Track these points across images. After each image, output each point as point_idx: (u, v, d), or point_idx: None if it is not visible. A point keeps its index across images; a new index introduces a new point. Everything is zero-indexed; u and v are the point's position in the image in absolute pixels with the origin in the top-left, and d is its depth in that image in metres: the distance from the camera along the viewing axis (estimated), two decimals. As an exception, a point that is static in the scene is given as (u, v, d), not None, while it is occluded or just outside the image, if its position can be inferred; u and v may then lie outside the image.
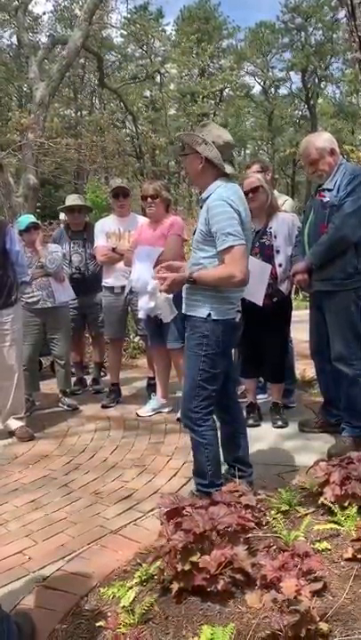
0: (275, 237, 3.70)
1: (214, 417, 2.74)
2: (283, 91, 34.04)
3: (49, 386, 5.04)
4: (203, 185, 2.68)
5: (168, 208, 4.23)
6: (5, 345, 3.93)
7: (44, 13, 31.93)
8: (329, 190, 3.24)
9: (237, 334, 2.91)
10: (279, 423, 3.88)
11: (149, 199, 4.09)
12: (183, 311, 2.76)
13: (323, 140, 3.29)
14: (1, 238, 3.89)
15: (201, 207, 2.69)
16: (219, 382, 2.68)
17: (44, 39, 20.04)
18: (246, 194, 3.66)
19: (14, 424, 4.01)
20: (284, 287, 3.74)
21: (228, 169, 2.61)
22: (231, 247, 2.47)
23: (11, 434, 4.02)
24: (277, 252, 3.70)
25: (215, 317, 2.58)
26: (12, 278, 3.96)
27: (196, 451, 2.69)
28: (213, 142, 2.55)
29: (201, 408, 2.62)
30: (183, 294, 2.73)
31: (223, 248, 2.48)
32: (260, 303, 3.57)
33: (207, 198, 2.59)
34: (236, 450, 2.85)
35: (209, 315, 2.58)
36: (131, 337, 6.34)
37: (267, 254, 3.69)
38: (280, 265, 3.70)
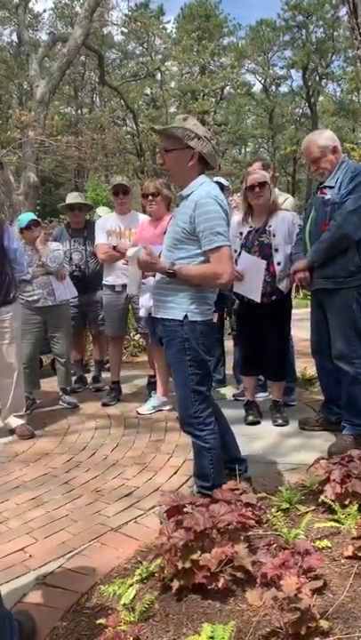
0: (273, 236, 3.70)
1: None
2: (283, 89, 34.07)
3: (49, 384, 5.05)
4: (185, 181, 2.53)
5: (169, 206, 4.23)
6: (4, 343, 3.92)
7: (45, 11, 31.98)
8: (331, 188, 3.23)
9: (215, 334, 2.85)
10: (280, 421, 3.88)
11: (150, 197, 4.08)
12: (153, 314, 2.64)
13: (325, 138, 3.29)
14: None
15: (177, 205, 2.57)
16: (210, 380, 2.64)
17: (44, 37, 19.99)
18: (252, 188, 3.66)
19: (15, 422, 4.01)
20: (283, 285, 3.74)
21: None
22: (220, 247, 2.39)
23: (11, 432, 4.02)
24: (276, 250, 3.70)
25: (192, 319, 2.47)
26: (10, 276, 3.95)
27: (198, 455, 2.62)
28: (205, 136, 2.46)
29: (200, 412, 2.55)
30: (153, 296, 2.60)
31: (211, 247, 2.39)
32: (258, 300, 3.57)
33: (189, 195, 2.47)
34: (228, 448, 2.78)
35: (185, 316, 2.46)
36: (131, 335, 6.34)
37: (265, 253, 3.69)
38: (279, 263, 3.69)
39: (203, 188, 2.46)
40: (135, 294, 3.80)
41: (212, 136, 2.61)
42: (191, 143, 2.44)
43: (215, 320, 2.66)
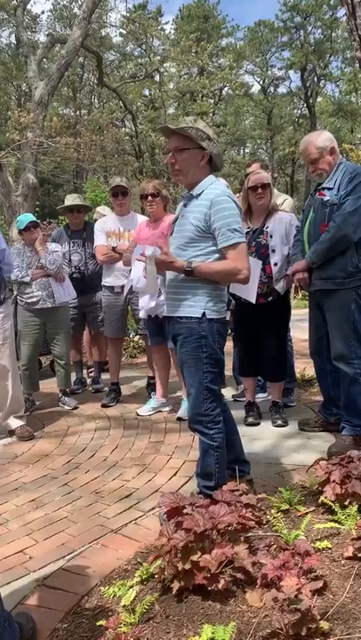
0: (270, 237, 3.71)
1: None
2: (282, 89, 34.19)
3: (49, 385, 5.05)
4: (193, 181, 2.58)
5: (166, 207, 4.23)
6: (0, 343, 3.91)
7: (43, 12, 31.98)
8: (329, 189, 3.24)
9: (227, 332, 2.89)
10: (279, 422, 3.88)
11: (149, 198, 4.08)
12: (167, 313, 2.65)
13: (323, 138, 3.29)
14: None
15: (185, 205, 2.61)
16: (222, 379, 2.66)
17: (42, 38, 19.99)
18: (255, 189, 3.67)
19: (14, 423, 4.01)
20: (279, 286, 3.74)
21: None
22: (238, 243, 2.45)
23: (11, 433, 4.02)
24: (273, 251, 3.70)
25: (210, 316, 2.52)
26: (0, 277, 3.95)
27: (205, 453, 2.62)
28: (214, 138, 2.53)
29: (211, 410, 2.57)
30: (167, 294, 2.63)
31: (230, 244, 2.44)
32: (254, 301, 3.58)
33: (200, 194, 2.52)
34: (233, 449, 2.81)
35: (204, 314, 2.51)
36: (131, 336, 6.34)
37: (262, 253, 3.69)
38: (275, 264, 3.70)
39: (216, 187, 2.52)
40: (154, 293, 3.80)
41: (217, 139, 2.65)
42: (203, 144, 2.50)
43: (228, 318, 2.68)
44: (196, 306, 2.52)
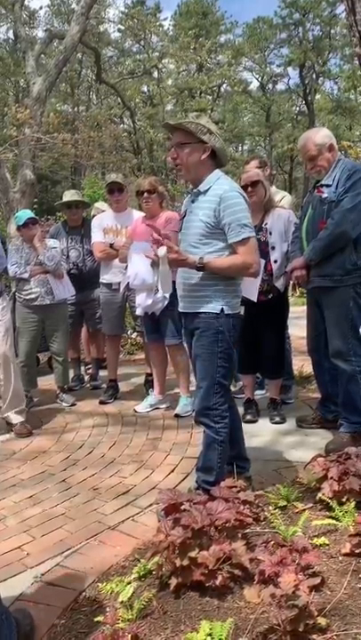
0: (270, 234, 3.70)
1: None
2: (280, 86, 34.00)
3: (47, 382, 5.04)
4: (196, 177, 2.59)
5: (162, 203, 4.22)
6: None
7: (41, 8, 31.83)
8: (328, 186, 3.23)
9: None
10: (277, 419, 3.88)
11: (145, 194, 4.07)
12: (183, 309, 2.67)
13: (321, 135, 3.28)
14: None
15: (193, 201, 2.61)
16: (232, 375, 2.66)
17: (40, 34, 19.93)
18: (245, 188, 3.67)
19: (15, 419, 4.00)
20: (279, 283, 3.74)
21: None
22: (248, 238, 2.46)
23: (9, 429, 4.01)
24: (273, 248, 3.70)
25: (228, 312, 2.54)
26: None
27: (208, 447, 2.63)
28: (217, 133, 2.53)
29: (220, 405, 2.59)
30: (184, 291, 2.65)
31: (240, 239, 2.46)
32: (255, 299, 3.57)
33: (208, 190, 2.52)
34: (235, 446, 2.83)
35: (222, 310, 2.53)
36: (128, 333, 6.33)
37: (262, 250, 3.68)
38: (275, 261, 3.70)
39: (224, 182, 2.53)
40: (169, 292, 3.81)
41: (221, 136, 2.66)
42: (204, 138, 2.50)
43: (242, 313, 2.70)
44: (215, 302, 2.54)
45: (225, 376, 2.59)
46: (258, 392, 4.35)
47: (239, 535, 2.11)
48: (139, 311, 4.22)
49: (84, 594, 2.10)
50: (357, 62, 3.34)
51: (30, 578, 2.23)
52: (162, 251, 2.61)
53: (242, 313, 2.70)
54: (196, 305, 2.59)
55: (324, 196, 3.24)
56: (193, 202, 2.62)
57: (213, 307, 2.54)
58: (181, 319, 2.84)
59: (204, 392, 2.61)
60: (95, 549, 2.43)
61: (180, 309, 2.73)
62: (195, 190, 2.61)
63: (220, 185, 2.51)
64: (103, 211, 5.44)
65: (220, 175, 2.57)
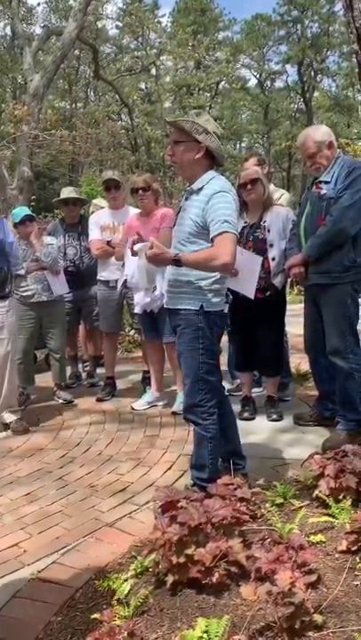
0: (268, 231, 3.70)
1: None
2: (279, 84, 33.96)
3: (44, 379, 5.04)
4: (191, 175, 2.60)
5: (157, 200, 4.21)
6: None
7: (39, 4, 31.77)
8: (326, 183, 3.23)
9: (225, 325, 2.90)
10: (274, 417, 3.88)
11: (140, 191, 4.06)
12: (167, 305, 2.70)
13: (321, 133, 3.28)
14: None
15: (187, 199, 2.63)
16: (218, 372, 2.67)
17: (38, 30, 19.88)
18: (244, 185, 3.67)
19: (9, 417, 4.00)
20: (277, 281, 3.74)
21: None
22: (225, 232, 2.43)
23: (5, 427, 4.01)
24: (271, 245, 3.70)
25: (208, 309, 2.55)
26: (6, 270, 3.93)
27: (198, 445, 2.65)
28: (214, 133, 2.52)
29: (206, 401, 2.60)
30: (167, 287, 2.67)
31: (217, 233, 2.43)
32: (252, 296, 3.57)
33: (200, 189, 2.53)
34: (230, 443, 2.84)
35: (201, 307, 2.54)
36: (126, 330, 6.33)
37: (260, 248, 3.69)
38: (273, 259, 3.69)
39: (216, 182, 2.52)
40: (148, 287, 3.82)
41: (222, 135, 2.65)
42: (199, 137, 2.50)
43: (226, 311, 2.69)
44: (195, 299, 2.54)
45: (209, 372, 2.60)
46: (255, 390, 4.35)
47: (236, 532, 2.11)
48: (137, 309, 4.22)
49: (80, 591, 2.10)
50: (355, 60, 3.33)
51: (27, 575, 2.23)
52: (138, 245, 2.62)
53: (226, 311, 2.70)
54: (177, 302, 2.61)
55: (323, 192, 3.24)
56: (187, 199, 2.63)
57: (193, 303, 2.55)
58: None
59: (189, 389, 2.63)
60: (92, 547, 2.43)
61: (165, 305, 2.74)
62: (188, 188, 2.63)
63: (211, 185, 2.51)
64: (102, 207, 5.43)
65: (215, 175, 2.56)
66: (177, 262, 2.51)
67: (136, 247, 2.63)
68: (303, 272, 3.40)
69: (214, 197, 2.45)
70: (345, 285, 3.21)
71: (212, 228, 2.45)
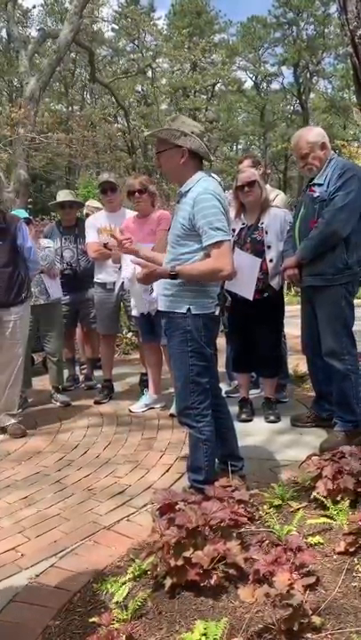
0: (266, 233, 3.71)
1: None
2: (275, 85, 34.07)
3: (41, 382, 5.03)
4: (182, 179, 2.60)
5: (154, 203, 4.21)
6: (10, 341, 3.89)
7: (34, 7, 31.80)
8: (319, 185, 3.24)
9: (218, 327, 2.90)
10: (272, 418, 3.88)
11: (137, 194, 4.06)
12: (160, 308, 2.71)
13: (314, 134, 3.29)
14: (12, 234, 3.86)
15: (178, 202, 2.63)
16: (210, 374, 2.67)
17: (34, 33, 19.87)
18: (242, 188, 3.68)
19: (6, 420, 3.99)
20: (275, 282, 3.74)
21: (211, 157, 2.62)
22: (220, 242, 2.44)
23: (3, 430, 4.00)
24: (268, 247, 3.70)
25: (195, 312, 2.54)
26: (24, 275, 3.92)
27: (194, 447, 2.65)
28: (192, 132, 2.52)
29: (198, 403, 2.60)
30: (159, 291, 2.68)
31: (212, 242, 2.44)
32: (251, 298, 3.58)
33: (188, 192, 2.53)
34: (227, 444, 2.84)
35: (189, 309, 2.54)
36: (123, 333, 6.33)
37: (258, 249, 3.69)
38: (271, 260, 3.70)
39: (200, 184, 2.51)
40: (148, 311, 3.89)
41: (204, 132, 2.65)
42: (178, 142, 2.51)
43: (217, 313, 2.69)
44: (182, 301, 2.55)
45: (200, 374, 2.59)
46: (253, 391, 4.35)
47: (234, 534, 2.11)
48: (134, 312, 4.21)
49: (78, 594, 2.10)
50: (350, 62, 3.34)
51: (25, 579, 2.22)
52: (126, 272, 2.65)
53: (216, 313, 2.69)
54: (166, 304, 2.62)
55: (316, 194, 3.25)
56: (178, 202, 2.64)
57: (180, 306, 2.56)
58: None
59: (181, 392, 2.64)
60: (90, 550, 2.42)
61: (158, 308, 2.76)
62: (179, 191, 2.64)
63: (196, 187, 2.51)
64: (96, 208, 5.43)
65: (202, 177, 2.55)
66: (174, 276, 2.51)
67: (127, 274, 2.66)
68: (297, 274, 3.41)
69: (199, 202, 2.45)
70: (338, 287, 3.21)
71: (205, 235, 2.45)
